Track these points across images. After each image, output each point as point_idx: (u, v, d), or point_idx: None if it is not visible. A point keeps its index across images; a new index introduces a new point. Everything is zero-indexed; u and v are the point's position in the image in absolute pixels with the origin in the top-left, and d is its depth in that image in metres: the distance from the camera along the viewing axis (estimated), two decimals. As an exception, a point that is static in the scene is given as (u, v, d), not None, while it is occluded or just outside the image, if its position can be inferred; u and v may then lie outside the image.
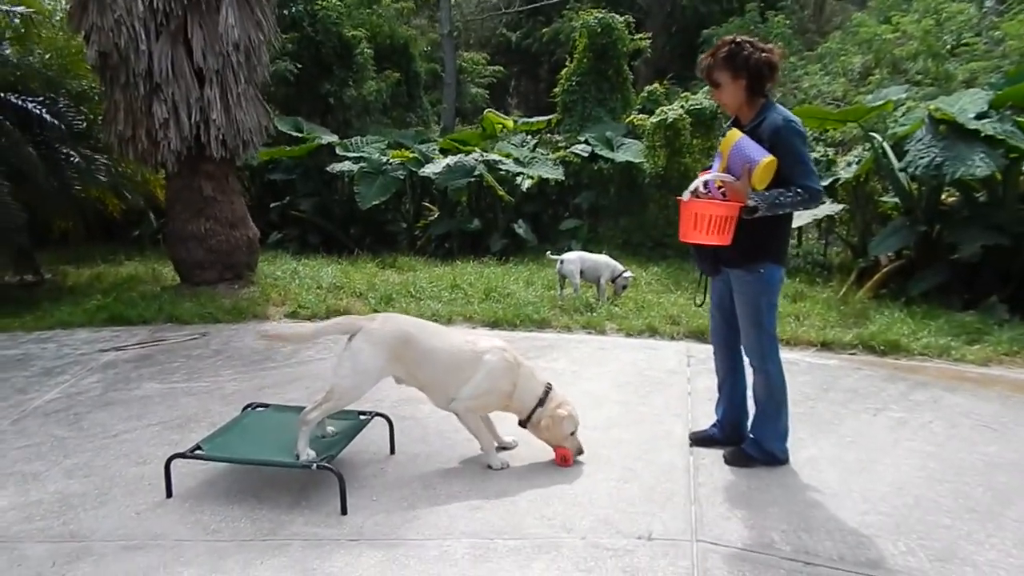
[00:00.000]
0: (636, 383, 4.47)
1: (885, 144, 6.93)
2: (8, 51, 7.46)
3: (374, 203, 9.78)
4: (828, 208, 7.82)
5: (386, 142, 11.26)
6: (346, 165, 10.24)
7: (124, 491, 3.11)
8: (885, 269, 6.83)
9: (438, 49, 19.39)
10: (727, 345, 3.41)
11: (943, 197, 6.85)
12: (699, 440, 3.54)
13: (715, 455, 3.40)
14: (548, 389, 3.30)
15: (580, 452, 3.32)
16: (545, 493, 3.06)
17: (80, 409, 4.09)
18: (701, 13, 18.17)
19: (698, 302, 3.59)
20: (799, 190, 2.93)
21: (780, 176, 2.95)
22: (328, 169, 10.47)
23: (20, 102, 7.00)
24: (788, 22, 15.65)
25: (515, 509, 2.92)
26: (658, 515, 2.88)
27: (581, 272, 6.43)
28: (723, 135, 3.13)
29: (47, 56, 7.79)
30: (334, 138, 11.18)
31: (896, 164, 6.70)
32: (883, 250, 6.91)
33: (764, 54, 3.02)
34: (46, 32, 8.06)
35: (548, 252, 7.46)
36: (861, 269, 7.14)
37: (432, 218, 10.61)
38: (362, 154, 10.49)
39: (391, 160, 10.14)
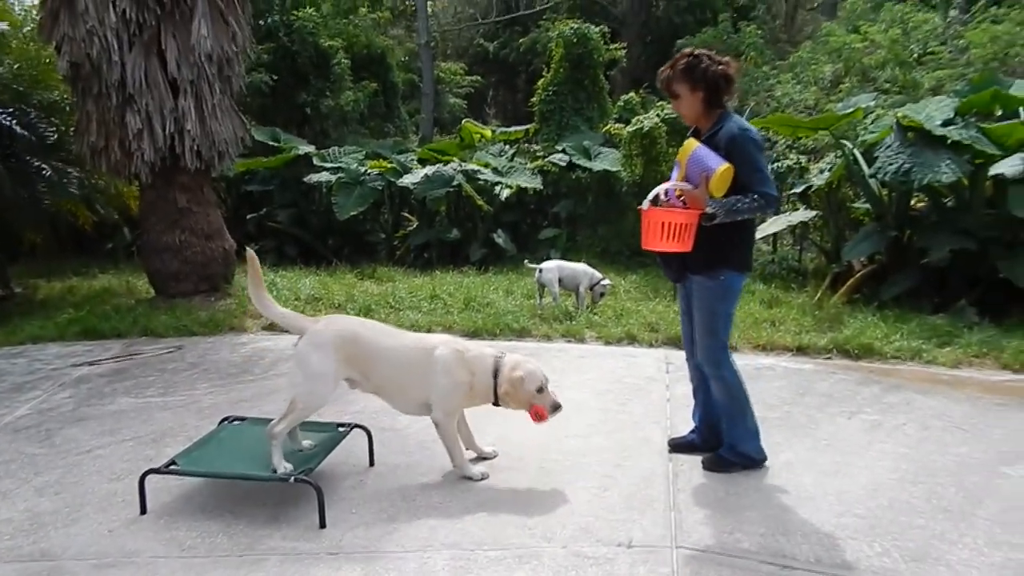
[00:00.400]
0: (615, 390, 4.49)
1: (856, 151, 7.06)
2: (-24, 62, 7.34)
3: (352, 214, 9.74)
4: (802, 215, 7.95)
5: (364, 152, 11.23)
6: (324, 176, 10.20)
7: (97, 508, 3.05)
8: (858, 274, 6.95)
9: (415, 59, 19.42)
10: (692, 351, 3.45)
11: (912, 203, 6.99)
12: (678, 446, 3.56)
13: (694, 461, 3.43)
14: (499, 357, 3.25)
15: (557, 408, 3.21)
16: (526, 502, 3.06)
17: (52, 425, 4.01)
18: (675, 23, 18.41)
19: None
20: (756, 196, 3.00)
21: (737, 183, 3.03)
22: (305, 180, 10.41)
23: (-11, 113, 6.89)
24: (760, 32, 15.91)
25: (495, 519, 2.92)
26: (638, 522, 2.89)
27: (560, 280, 6.44)
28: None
29: (16, 67, 7.68)
30: (311, 149, 11.13)
31: (866, 171, 6.83)
32: (856, 255, 7.03)
33: (721, 67, 3.11)
34: (16, 43, 7.95)
35: (527, 261, 7.47)
36: (835, 274, 7.25)
37: (411, 228, 10.59)
38: (340, 164, 10.46)
39: (369, 170, 10.11)
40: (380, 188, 10.05)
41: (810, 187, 7.92)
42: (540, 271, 6.44)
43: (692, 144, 3.10)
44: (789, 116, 9.18)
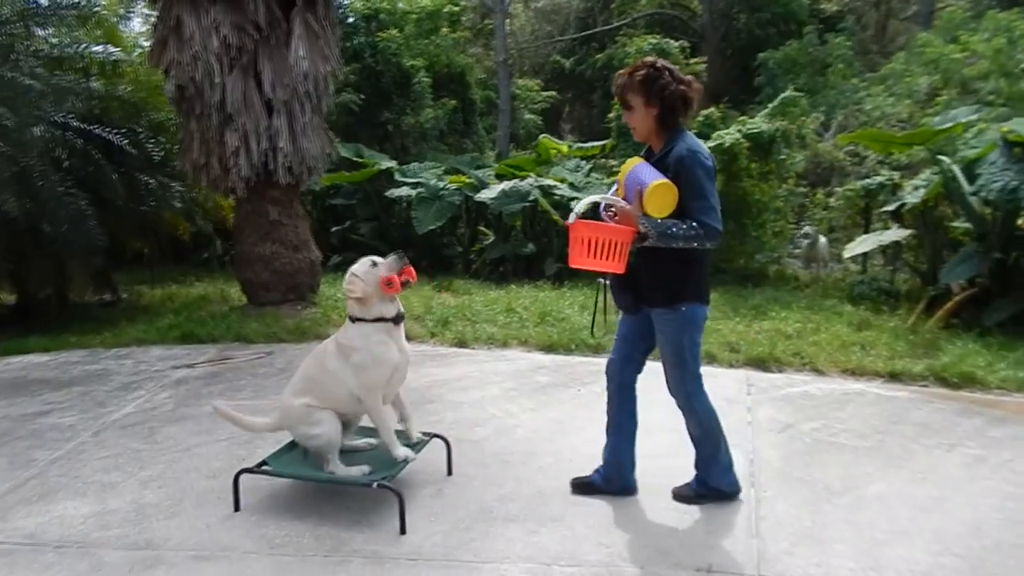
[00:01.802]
0: (694, 411, 4.40)
1: (955, 167, 6.70)
2: (95, 86, 7.97)
3: (431, 227, 9.98)
4: (894, 233, 7.58)
5: (443, 168, 11.50)
6: (404, 190, 10.50)
7: (195, 503, 3.24)
8: (957, 298, 6.55)
9: (493, 76, 19.76)
10: (619, 381, 3.25)
11: (1019, 222, 6.56)
12: (579, 486, 3.31)
13: (777, 488, 3.32)
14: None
15: (401, 259, 3.12)
16: (602, 520, 3.04)
17: (154, 423, 4.29)
18: (757, 36, 17.99)
19: (595, 333, 3.46)
20: (695, 224, 2.77)
21: (681, 208, 2.81)
22: (387, 194, 10.75)
23: (105, 133, 7.45)
24: (849, 43, 15.36)
25: (572, 535, 2.91)
26: (718, 547, 2.82)
27: None
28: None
29: (129, 90, 8.30)
30: (393, 164, 11.49)
31: (967, 188, 6.47)
32: (954, 278, 6.64)
33: (681, 87, 2.88)
34: (128, 68, 8.60)
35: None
36: (931, 297, 6.86)
37: (487, 242, 10.73)
38: (419, 179, 10.74)
39: (447, 185, 10.34)
40: (458, 203, 10.25)
41: (903, 205, 7.55)
42: None
43: (634, 161, 2.95)
44: (881, 131, 8.82)
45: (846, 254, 7.99)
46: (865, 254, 8.30)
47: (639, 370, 3.26)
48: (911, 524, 3.00)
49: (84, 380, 5.24)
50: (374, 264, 3.15)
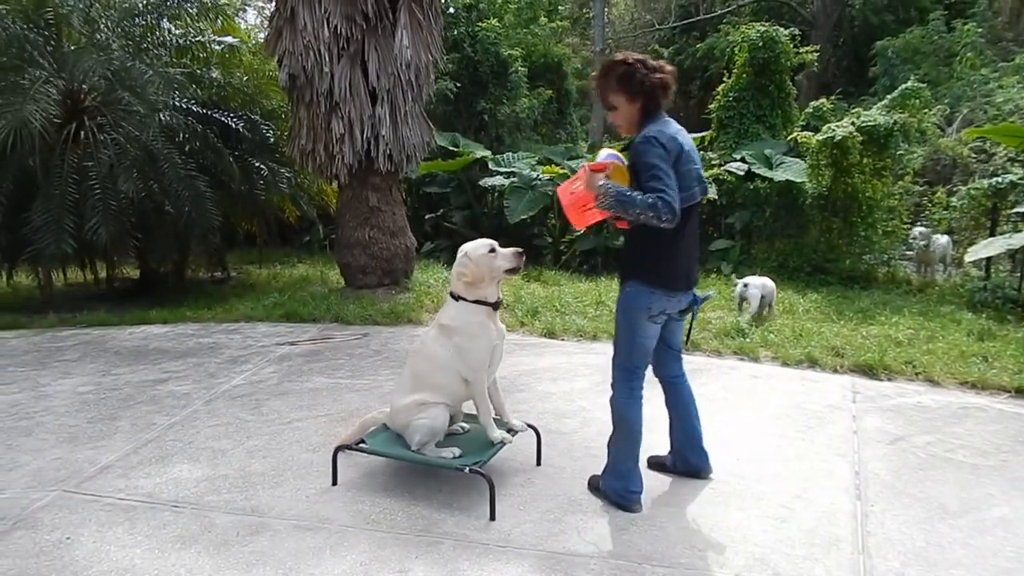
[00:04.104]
0: (794, 416, 4.20)
1: (1103, 166, 6.06)
2: (215, 74, 8.47)
3: (522, 217, 10.01)
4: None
5: (536, 158, 11.49)
6: (497, 180, 10.58)
7: (296, 475, 3.39)
8: (1098, 309, 5.95)
9: (590, 66, 19.54)
10: (658, 375, 3.29)
11: None
12: (654, 464, 3.41)
13: (886, 502, 3.12)
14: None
15: (520, 255, 3.21)
16: (695, 522, 2.96)
17: (260, 396, 4.52)
18: (871, 24, 16.90)
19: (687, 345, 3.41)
20: (650, 196, 2.72)
21: (639, 190, 2.80)
22: (480, 183, 10.86)
23: (223, 118, 7.90)
24: (980, 30, 14.16)
25: (664, 536, 2.85)
26: (821, 561, 2.68)
27: (760, 297, 6.41)
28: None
29: (245, 79, 8.77)
30: (487, 153, 11.59)
31: (1117, 190, 5.83)
32: (1095, 287, 6.03)
33: (658, 75, 2.89)
34: (245, 58, 9.07)
35: (733, 276, 7.42)
36: (1066, 308, 6.27)
37: (578, 233, 10.65)
38: (513, 169, 10.79)
39: (540, 176, 10.33)
40: (550, 193, 10.21)
41: (1039, 206, 6.91)
42: (746, 286, 6.46)
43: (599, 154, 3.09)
44: (1016, 126, 8.09)
45: (968, 257, 7.40)
46: (989, 259, 7.66)
47: (666, 363, 3.26)
48: (1040, 554, 2.75)
49: (198, 352, 5.60)
50: (492, 251, 3.18)
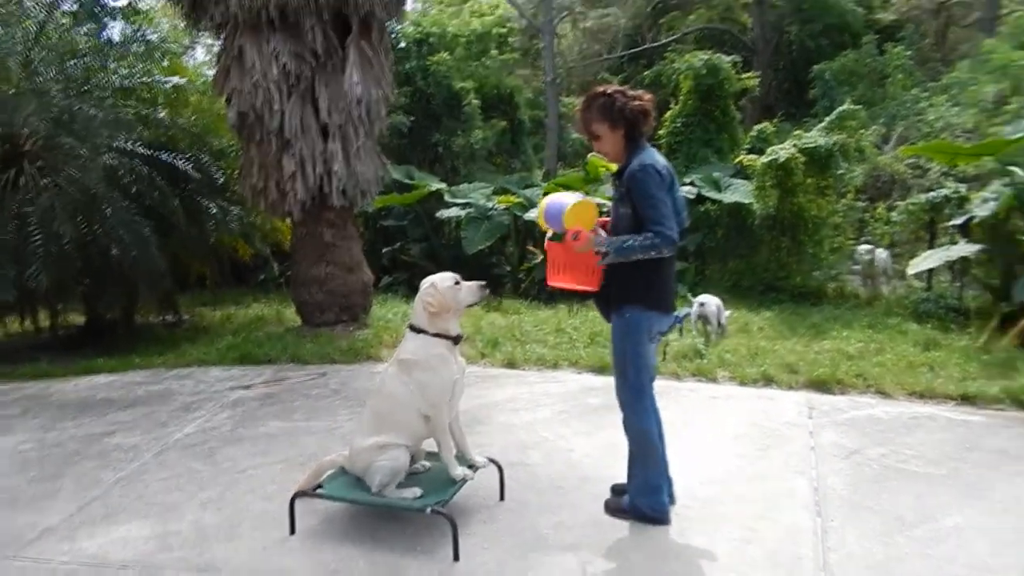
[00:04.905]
0: (753, 435, 4.25)
1: (1028, 179, 6.38)
2: (162, 114, 8.34)
3: (480, 247, 10.03)
4: (962, 248, 7.26)
5: (492, 188, 11.57)
6: (454, 211, 10.60)
7: (252, 526, 3.27)
8: (1033, 315, 6.21)
9: (541, 96, 19.86)
10: None
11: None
12: (618, 492, 3.36)
13: (845, 517, 3.17)
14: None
15: (484, 288, 3.23)
16: (661, 550, 2.95)
17: (214, 444, 4.38)
18: (809, 48, 17.62)
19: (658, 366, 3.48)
20: (648, 235, 2.84)
21: (637, 219, 2.91)
22: (437, 215, 10.87)
23: (170, 159, 7.77)
24: (908, 53, 14.89)
25: (629, 566, 2.83)
26: (784, 581, 2.70)
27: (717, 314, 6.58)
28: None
29: (193, 118, 8.65)
30: (442, 185, 11.62)
31: (1042, 201, 6.14)
32: (1030, 294, 6.29)
33: (637, 102, 3.00)
34: (192, 97, 8.97)
35: (689, 295, 7.53)
36: (1004, 315, 6.51)
37: (536, 261, 10.72)
38: (469, 200, 10.84)
39: (496, 205, 10.40)
40: (507, 222, 10.29)
41: (972, 218, 7.22)
42: (702, 304, 6.55)
43: (548, 199, 3.16)
44: (947, 142, 8.49)
45: (910, 270, 7.68)
46: (931, 270, 7.96)
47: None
48: (994, 559, 2.82)
49: (148, 400, 5.41)
50: (457, 283, 3.19)
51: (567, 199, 3.06)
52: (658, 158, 2.97)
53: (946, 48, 19.49)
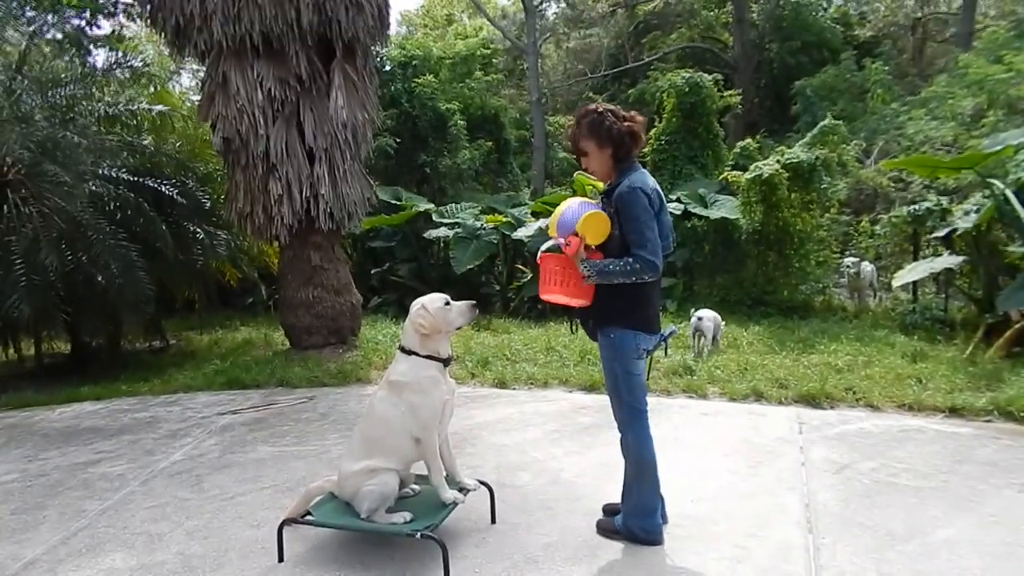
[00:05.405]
0: (744, 452, 4.25)
1: (1008, 191, 6.47)
2: (147, 141, 8.32)
3: (469, 267, 10.03)
4: (946, 260, 7.34)
5: (479, 207, 11.61)
6: (442, 231, 10.62)
7: (239, 554, 3.22)
8: (1017, 325, 6.26)
9: (527, 115, 20.03)
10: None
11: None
12: (609, 512, 3.33)
13: (837, 534, 3.16)
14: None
15: (474, 308, 3.20)
16: (654, 571, 2.93)
17: (201, 471, 4.32)
18: (789, 65, 17.92)
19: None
20: (630, 260, 2.84)
21: (622, 240, 2.90)
22: (425, 235, 10.88)
23: (156, 185, 7.74)
24: (886, 68, 15.16)
25: (622, 587, 2.81)
26: (777, 599, 2.68)
27: (713, 329, 6.62)
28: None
29: (178, 144, 8.64)
30: (430, 206, 11.65)
31: (1022, 212, 6.23)
32: (1013, 305, 6.35)
33: (626, 123, 3.00)
34: (178, 123, 8.96)
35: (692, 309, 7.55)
36: (989, 326, 6.58)
37: (525, 280, 10.73)
38: (457, 220, 10.87)
39: (485, 225, 10.42)
40: (495, 241, 10.31)
41: (955, 230, 7.32)
42: (700, 319, 6.58)
43: (563, 206, 3.07)
44: (927, 156, 8.62)
45: (895, 282, 7.75)
46: (915, 282, 8.04)
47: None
48: (985, 573, 2.81)
49: (133, 428, 5.34)
50: (447, 304, 3.17)
51: (586, 208, 3.00)
52: (648, 180, 2.97)
53: (923, 63, 19.87)
